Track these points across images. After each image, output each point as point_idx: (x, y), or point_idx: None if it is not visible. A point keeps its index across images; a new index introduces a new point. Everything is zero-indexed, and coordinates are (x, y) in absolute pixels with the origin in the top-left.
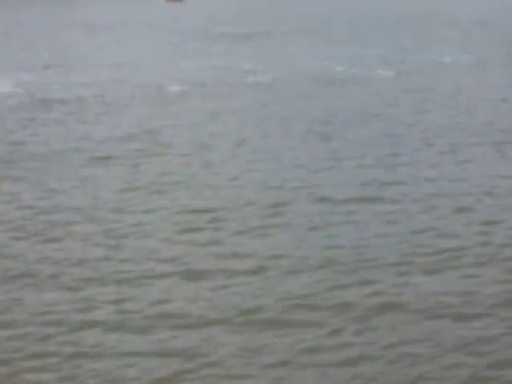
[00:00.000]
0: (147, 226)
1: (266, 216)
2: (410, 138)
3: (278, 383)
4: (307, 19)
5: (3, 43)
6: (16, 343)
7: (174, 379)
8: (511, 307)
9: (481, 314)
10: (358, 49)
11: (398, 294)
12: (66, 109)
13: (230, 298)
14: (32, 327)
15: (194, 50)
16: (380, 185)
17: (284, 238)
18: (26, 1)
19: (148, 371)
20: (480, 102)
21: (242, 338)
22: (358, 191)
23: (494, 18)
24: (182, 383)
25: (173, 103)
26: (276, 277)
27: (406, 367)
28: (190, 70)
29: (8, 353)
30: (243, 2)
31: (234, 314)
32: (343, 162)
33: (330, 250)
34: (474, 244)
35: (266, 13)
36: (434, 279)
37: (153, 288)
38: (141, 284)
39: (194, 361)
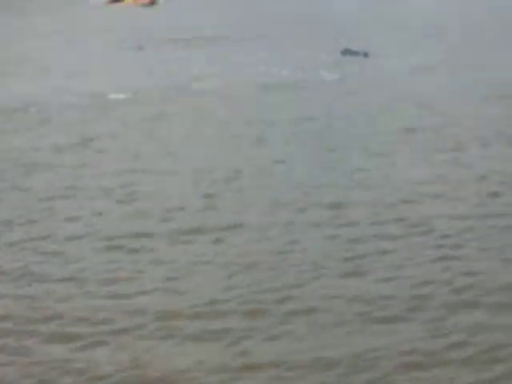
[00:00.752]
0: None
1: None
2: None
3: None
4: (269, 23)
5: None
6: None
7: None
8: (427, 311)
9: (395, 318)
10: (308, 52)
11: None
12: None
13: None
14: None
15: (144, 57)
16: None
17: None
18: None
19: None
20: (417, 108)
21: None
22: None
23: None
24: None
25: (114, 111)
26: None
27: (321, 372)
28: (136, 78)
29: None
30: (217, 7)
31: None
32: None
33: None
34: (390, 248)
35: (234, 17)
36: (349, 283)
37: None
38: None
39: None
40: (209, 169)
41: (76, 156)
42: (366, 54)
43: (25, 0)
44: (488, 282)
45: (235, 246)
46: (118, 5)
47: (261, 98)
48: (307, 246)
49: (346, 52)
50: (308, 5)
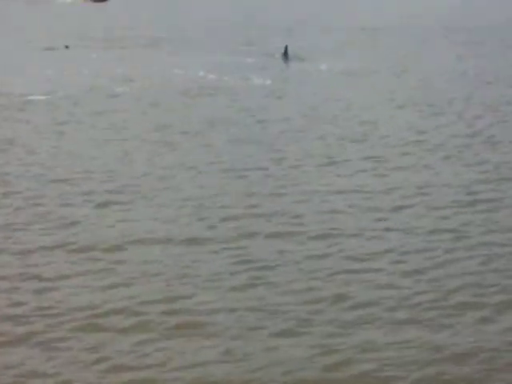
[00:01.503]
0: None
1: None
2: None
3: None
4: (203, 26)
5: None
6: None
7: None
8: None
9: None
10: (237, 57)
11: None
12: None
13: None
14: None
15: (70, 57)
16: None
17: None
18: None
19: None
20: (346, 111)
21: None
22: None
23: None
24: None
25: (25, 113)
26: None
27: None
28: (57, 79)
29: None
30: (163, 6)
31: None
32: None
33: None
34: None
35: (176, 17)
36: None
37: None
38: None
39: None
40: (111, 173)
41: None
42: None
43: None
44: (389, 297)
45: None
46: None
47: (182, 102)
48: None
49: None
50: (245, 9)
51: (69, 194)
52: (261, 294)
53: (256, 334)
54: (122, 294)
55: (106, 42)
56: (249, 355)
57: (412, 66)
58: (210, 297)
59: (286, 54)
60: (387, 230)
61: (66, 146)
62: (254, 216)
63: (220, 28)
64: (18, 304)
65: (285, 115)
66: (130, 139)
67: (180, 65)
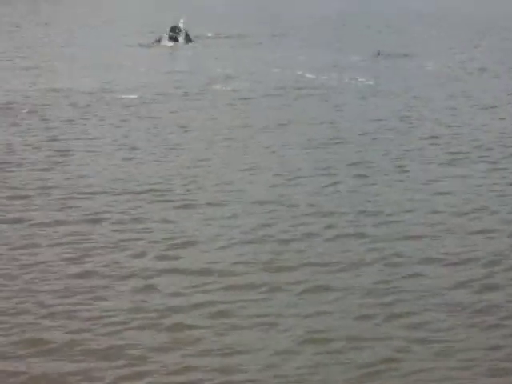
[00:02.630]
0: None
1: None
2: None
3: None
4: (292, 20)
5: None
6: None
7: None
8: None
9: None
10: (337, 55)
11: None
12: None
13: None
14: None
15: (164, 54)
16: None
17: None
18: None
19: None
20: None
21: None
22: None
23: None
24: None
25: (130, 114)
26: None
27: None
28: (152, 76)
29: None
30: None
31: None
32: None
33: None
34: None
35: (254, 13)
36: None
37: None
38: None
39: None
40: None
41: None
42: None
43: None
44: None
45: None
46: None
47: (277, 100)
48: None
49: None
50: (342, 5)
51: None
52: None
53: None
54: None
55: (202, 38)
56: None
57: None
58: None
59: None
60: None
61: (171, 142)
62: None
63: (318, 25)
64: None
65: (382, 115)
66: (221, 136)
67: (278, 62)
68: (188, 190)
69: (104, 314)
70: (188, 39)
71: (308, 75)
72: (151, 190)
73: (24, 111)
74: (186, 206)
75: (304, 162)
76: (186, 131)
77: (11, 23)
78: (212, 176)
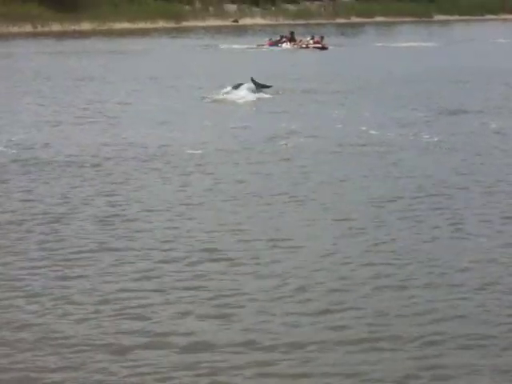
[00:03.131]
0: None
1: None
2: None
3: None
4: (363, 77)
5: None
6: None
7: None
8: None
9: None
10: (405, 110)
11: None
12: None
13: None
14: None
15: (230, 109)
16: None
17: None
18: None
19: None
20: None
21: None
22: None
23: None
24: None
25: (191, 169)
26: None
27: None
28: (216, 131)
29: None
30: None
31: None
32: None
33: None
34: None
35: (326, 69)
36: None
37: None
38: None
39: None
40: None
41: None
42: None
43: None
44: None
45: None
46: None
47: (342, 157)
48: None
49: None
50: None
51: None
52: None
53: None
54: None
55: (269, 93)
56: None
57: None
58: None
59: None
60: None
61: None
62: None
63: (389, 82)
64: None
65: (441, 171)
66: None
67: (343, 119)
68: (245, 249)
69: None
70: (256, 91)
71: (372, 131)
72: (205, 250)
73: (87, 165)
74: (238, 264)
75: (359, 218)
76: (244, 187)
77: (83, 76)
78: (270, 231)
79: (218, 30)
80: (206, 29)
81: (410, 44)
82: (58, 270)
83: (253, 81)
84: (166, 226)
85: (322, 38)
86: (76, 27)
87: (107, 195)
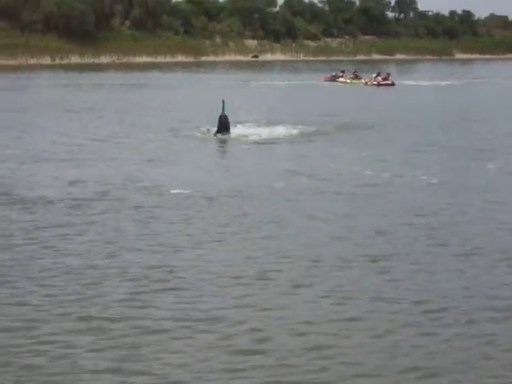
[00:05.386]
0: None
1: None
2: None
3: None
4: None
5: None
6: None
7: None
8: None
9: None
10: (404, 151)
11: None
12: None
13: None
14: None
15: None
16: None
17: None
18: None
19: None
20: None
21: None
22: None
23: None
24: None
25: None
26: None
27: None
28: (204, 171)
29: None
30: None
31: None
32: None
33: None
34: None
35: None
36: None
37: None
38: None
39: None
40: None
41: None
42: None
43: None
44: None
45: None
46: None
47: (330, 197)
48: None
49: None
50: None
51: None
52: None
53: None
54: None
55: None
56: None
57: None
58: None
59: None
60: None
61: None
62: None
63: (397, 120)
64: None
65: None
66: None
67: (339, 158)
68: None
69: None
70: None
71: (368, 172)
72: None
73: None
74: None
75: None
76: (236, 230)
77: (78, 108)
78: (276, 275)
79: (237, 66)
80: (226, 63)
81: (430, 83)
82: None
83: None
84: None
85: (388, 74)
86: (95, 60)
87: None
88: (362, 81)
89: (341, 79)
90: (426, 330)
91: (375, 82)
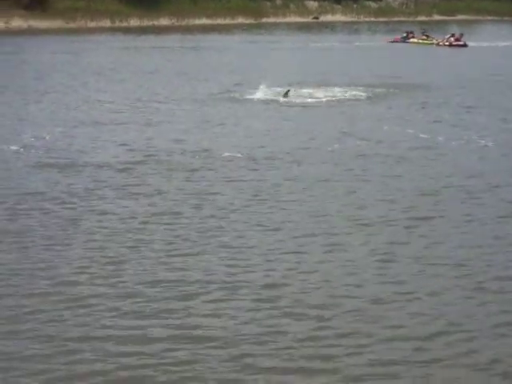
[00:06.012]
0: None
1: None
2: None
3: None
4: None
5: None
6: None
7: None
8: None
9: None
10: (463, 114)
11: None
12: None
13: None
14: None
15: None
16: None
17: None
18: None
19: None
20: None
21: None
22: None
23: None
24: None
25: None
26: None
27: None
28: (257, 134)
29: None
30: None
31: None
32: None
33: None
34: None
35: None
36: None
37: None
38: None
39: None
40: None
41: None
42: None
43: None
44: None
45: None
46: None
47: (389, 160)
48: None
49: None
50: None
51: None
52: None
53: None
54: None
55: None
56: None
57: None
58: None
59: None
60: None
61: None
62: None
63: (447, 85)
64: None
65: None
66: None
67: (391, 120)
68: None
69: None
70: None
71: (422, 134)
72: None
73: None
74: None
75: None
76: (290, 192)
77: (135, 71)
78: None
79: (298, 27)
80: (287, 25)
81: (505, 43)
82: None
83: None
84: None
85: (461, 35)
86: (155, 22)
87: (137, 197)
88: (434, 41)
89: (412, 40)
90: (466, 293)
91: (447, 43)
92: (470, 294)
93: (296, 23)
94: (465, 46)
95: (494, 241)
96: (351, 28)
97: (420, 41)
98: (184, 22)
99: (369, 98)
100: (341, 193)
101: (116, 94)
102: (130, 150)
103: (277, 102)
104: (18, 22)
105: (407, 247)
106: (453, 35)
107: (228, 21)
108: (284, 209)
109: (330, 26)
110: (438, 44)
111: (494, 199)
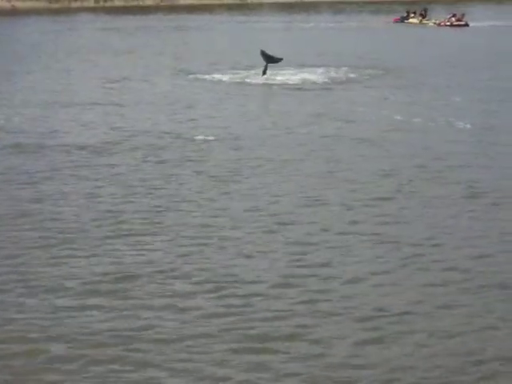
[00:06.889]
0: None
1: None
2: None
3: None
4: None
5: None
6: None
7: None
8: None
9: None
10: (439, 95)
11: None
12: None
13: None
14: None
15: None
16: None
17: None
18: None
19: None
20: None
21: None
22: None
23: None
24: None
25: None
26: None
27: None
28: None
29: None
30: None
31: None
32: None
33: None
34: None
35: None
36: None
37: None
38: None
39: None
40: None
41: None
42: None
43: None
44: None
45: None
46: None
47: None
48: None
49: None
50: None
51: None
52: None
53: None
54: None
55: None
56: None
57: None
58: None
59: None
60: None
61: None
62: None
63: (427, 65)
64: None
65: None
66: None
67: (368, 103)
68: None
69: None
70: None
71: (397, 116)
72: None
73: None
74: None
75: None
76: (265, 175)
77: (116, 51)
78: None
79: (283, 8)
80: (273, 5)
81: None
82: None
83: (262, 53)
84: None
85: (463, 15)
86: (140, 2)
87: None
88: (434, 21)
89: (411, 20)
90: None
91: (448, 23)
92: (429, 273)
93: (282, 4)
94: (466, 25)
95: (451, 220)
96: (336, 8)
97: (416, 20)
98: (169, 2)
99: (348, 79)
100: (304, 173)
101: (91, 74)
102: (99, 131)
103: (254, 83)
104: (1, 3)
105: (365, 226)
106: (454, 15)
107: (213, 0)
108: (247, 190)
109: (315, 7)
110: (439, 24)
111: (454, 179)
